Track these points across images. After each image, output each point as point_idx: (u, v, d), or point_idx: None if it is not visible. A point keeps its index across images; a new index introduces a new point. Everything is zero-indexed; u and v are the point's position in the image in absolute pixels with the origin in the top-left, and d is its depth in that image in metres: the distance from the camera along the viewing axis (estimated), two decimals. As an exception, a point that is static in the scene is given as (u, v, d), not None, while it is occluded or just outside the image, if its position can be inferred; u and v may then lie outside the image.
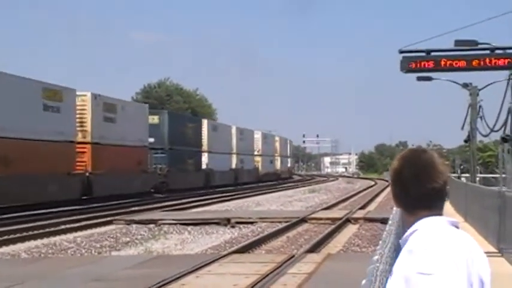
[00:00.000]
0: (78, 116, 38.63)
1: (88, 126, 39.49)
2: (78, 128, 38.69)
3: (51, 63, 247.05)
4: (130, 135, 44.09)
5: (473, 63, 16.56)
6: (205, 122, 63.57)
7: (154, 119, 51.06)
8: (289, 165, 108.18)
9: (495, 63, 16.50)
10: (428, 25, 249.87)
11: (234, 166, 70.84)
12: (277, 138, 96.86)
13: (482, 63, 16.54)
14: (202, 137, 61.45)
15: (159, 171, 50.21)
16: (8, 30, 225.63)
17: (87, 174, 38.65)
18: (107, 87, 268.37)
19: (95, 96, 40.35)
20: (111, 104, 42.63)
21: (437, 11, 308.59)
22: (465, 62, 16.56)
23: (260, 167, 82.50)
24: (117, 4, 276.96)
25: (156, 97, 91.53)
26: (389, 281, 2.61)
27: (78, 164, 38.19)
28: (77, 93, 38.84)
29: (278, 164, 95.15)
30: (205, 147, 61.79)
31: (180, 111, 77.50)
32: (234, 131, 72.44)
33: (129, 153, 44.07)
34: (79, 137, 38.67)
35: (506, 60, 16.35)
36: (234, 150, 71.56)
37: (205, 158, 61.75)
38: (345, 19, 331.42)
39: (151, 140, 48.52)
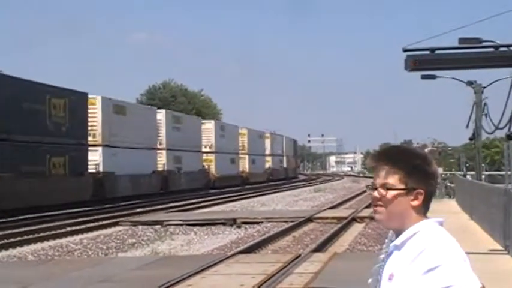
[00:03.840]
0: None
1: None
2: None
3: (54, 66, 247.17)
4: None
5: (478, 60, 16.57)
6: (98, 100, 41.22)
7: None
8: (268, 165, 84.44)
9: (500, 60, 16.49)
10: (432, 23, 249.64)
11: (161, 167, 50.93)
12: (243, 131, 74.70)
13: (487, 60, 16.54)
14: (92, 123, 40.35)
15: None
16: (12, 32, 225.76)
17: None
18: (110, 89, 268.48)
19: None
20: None
21: (441, 9, 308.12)
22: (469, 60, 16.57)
23: (214, 169, 62.62)
24: (115, 5, 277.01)
25: (161, 98, 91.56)
26: (392, 284, 2.63)
27: None
28: None
29: (245, 165, 73.41)
30: (97, 138, 41.09)
31: (184, 112, 71.85)
32: (162, 116, 52.07)
33: None
34: None
35: None
36: (164, 145, 51.61)
37: (96, 155, 40.68)
38: (348, 18, 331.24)
39: None
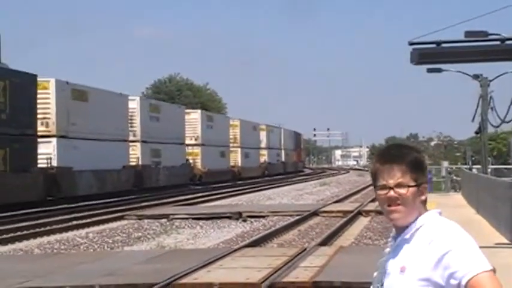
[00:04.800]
0: None
1: None
2: None
3: (60, 62, 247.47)
4: None
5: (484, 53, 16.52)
6: (51, 83, 35.56)
7: None
8: (263, 159, 78.77)
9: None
10: (438, 16, 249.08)
11: (134, 162, 44.75)
12: (235, 122, 69.26)
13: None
14: (44, 110, 34.94)
15: None
16: (15, 29, 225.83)
17: None
18: (116, 83, 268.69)
19: None
20: None
21: (447, 2, 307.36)
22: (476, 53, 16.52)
23: (200, 163, 56.99)
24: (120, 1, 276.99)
25: (167, 92, 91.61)
26: (404, 278, 2.66)
27: None
28: None
29: (237, 159, 67.99)
30: (51, 128, 35.44)
31: (190, 106, 70.67)
32: (137, 104, 46.04)
33: None
34: None
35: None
36: (138, 137, 45.89)
37: (49, 147, 35.05)
38: (354, 11, 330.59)
39: None
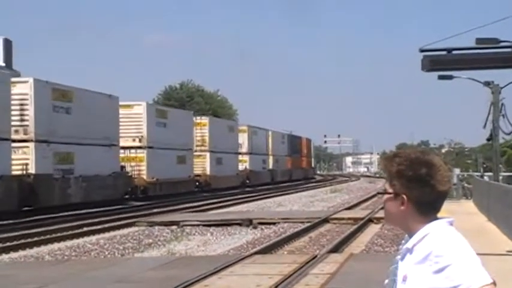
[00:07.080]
0: None
1: None
2: None
3: (73, 68, 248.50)
4: None
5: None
6: None
7: None
8: (244, 166, 66.27)
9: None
10: (449, 23, 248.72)
11: (20, 170, 31.61)
12: (203, 121, 57.28)
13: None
14: None
15: None
16: (26, 34, 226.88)
17: None
18: (127, 89, 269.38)
19: None
20: None
21: (458, 9, 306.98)
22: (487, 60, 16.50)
23: (145, 171, 44.40)
24: (131, 9, 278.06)
25: (177, 98, 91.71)
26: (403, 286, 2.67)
27: None
28: None
29: (205, 165, 55.70)
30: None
31: (201, 112, 69.90)
32: (29, 89, 32.99)
33: None
34: None
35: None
36: (31, 134, 32.76)
37: None
38: (365, 17, 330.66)
39: None
